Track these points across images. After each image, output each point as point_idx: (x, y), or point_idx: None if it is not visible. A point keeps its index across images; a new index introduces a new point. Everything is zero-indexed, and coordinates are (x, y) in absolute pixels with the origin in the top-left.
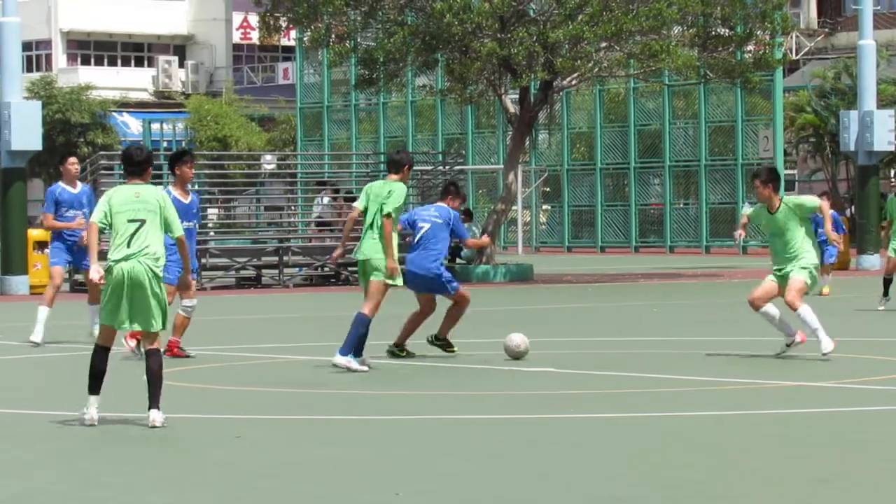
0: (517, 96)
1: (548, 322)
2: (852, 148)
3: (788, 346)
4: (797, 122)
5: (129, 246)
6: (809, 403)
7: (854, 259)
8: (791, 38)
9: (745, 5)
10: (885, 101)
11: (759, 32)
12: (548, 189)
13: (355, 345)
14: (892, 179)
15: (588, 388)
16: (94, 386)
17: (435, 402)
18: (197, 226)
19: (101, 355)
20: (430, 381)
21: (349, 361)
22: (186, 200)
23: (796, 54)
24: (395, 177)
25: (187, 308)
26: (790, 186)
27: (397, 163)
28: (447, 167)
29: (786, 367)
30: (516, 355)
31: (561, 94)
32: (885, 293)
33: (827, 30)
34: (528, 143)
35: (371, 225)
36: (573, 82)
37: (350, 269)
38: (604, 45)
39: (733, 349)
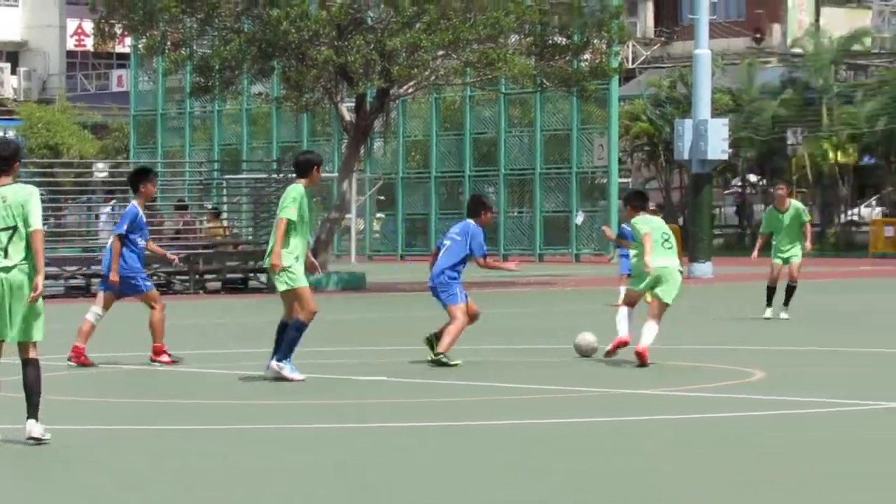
0: (353, 104)
1: (380, 331)
2: (686, 156)
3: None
4: (632, 130)
5: (6, 256)
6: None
7: (685, 267)
8: (627, 46)
9: (583, 14)
10: (720, 110)
11: (595, 41)
12: (382, 197)
13: (291, 350)
14: (780, 189)
15: (427, 397)
16: None
17: (277, 412)
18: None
19: None
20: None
21: (281, 368)
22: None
23: (632, 63)
24: (302, 181)
25: (98, 315)
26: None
27: (301, 165)
28: (281, 175)
29: (629, 374)
30: (586, 352)
31: (397, 102)
32: (769, 303)
33: (663, 39)
34: (363, 151)
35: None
36: (410, 90)
37: (180, 277)
38: (441, 53)
39: (572, 356)
